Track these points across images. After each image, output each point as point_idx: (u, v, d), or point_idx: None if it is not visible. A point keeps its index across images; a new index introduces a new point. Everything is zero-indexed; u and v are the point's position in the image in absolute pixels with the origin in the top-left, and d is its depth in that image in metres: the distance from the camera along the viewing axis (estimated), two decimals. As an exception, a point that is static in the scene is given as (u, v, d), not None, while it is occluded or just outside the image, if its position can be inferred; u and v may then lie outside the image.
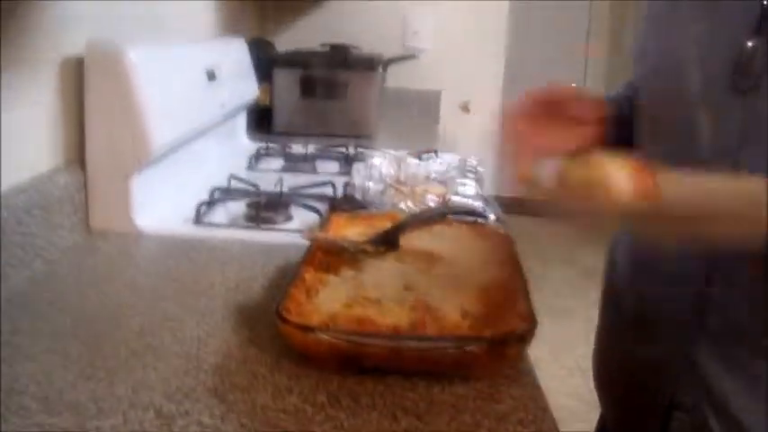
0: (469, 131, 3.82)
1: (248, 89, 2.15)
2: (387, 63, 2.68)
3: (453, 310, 0.91)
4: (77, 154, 1.36)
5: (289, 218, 1.48)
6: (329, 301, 0.92)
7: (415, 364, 0.84)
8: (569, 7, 6.58)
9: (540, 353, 0.88)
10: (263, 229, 1.42)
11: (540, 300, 0.96)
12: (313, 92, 2.44)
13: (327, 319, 0.86)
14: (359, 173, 1.58)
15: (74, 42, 1.32)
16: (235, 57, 2.06)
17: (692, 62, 0.94)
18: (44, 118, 1.27)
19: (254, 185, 1.65)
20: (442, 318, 0.88)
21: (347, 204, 1.49)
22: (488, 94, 4.30)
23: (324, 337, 0.82)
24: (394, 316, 0.88)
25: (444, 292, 0.96)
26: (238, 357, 0.89)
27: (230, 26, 2.48)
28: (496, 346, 0.83)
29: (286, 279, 0.99)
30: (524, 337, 0.85)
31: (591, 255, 5.33)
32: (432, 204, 1.44)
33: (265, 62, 2.40)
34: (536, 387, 0.86)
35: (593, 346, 1.33)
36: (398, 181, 1.54)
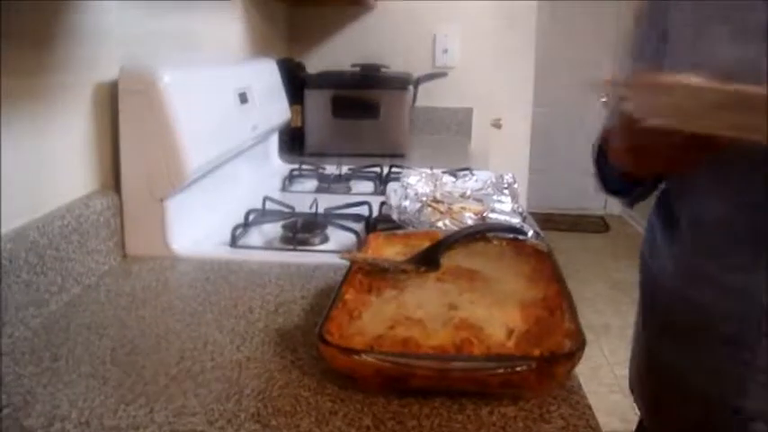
0: (502, 147, 3.82)
1: (280, 110, 2.15)
2: (417, 82, 2.67)
3: (498, 328, 0.89)
4: (112, 179, 1.35)
5: (325, 239, 1.47)
6: (372, 322, 0.91)
7: (462, 385, 0.83)
8: (598, 20, 6.57)
9: (578, 369, 0.86)
10: (299, 251, 1.41)
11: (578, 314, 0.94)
12: (345, 112, 2.44)
13: (371, 341, 0.84)
14: (394, 192, 1.56)
15: (107, 65, 1.33)
16: (266, 78, 2.06)
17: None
18: (79, 143, 1.27)
19: (289, 207, 1.64)
20: (487, 337, 0.86)
21: (384, 224, 1.48)
22: (519, 109, 4.30)
23: (368, 359, 0.81)
24: (439, 336, 0.86)
25: (488, 310, 0.94)
26: (281, 381, 0.88)
27: (261, 47, 2.49)
28: (545, 365, 0.81)
29: (326, 301, 0.97)
30: (573, 356, 0.82)
31: (621, 269, 5.31)
32: (469, 222, 1.42)
33: (296, 83, 2.40)
34: (586, 406, 0.84)
35: (631, 354, 1.32)
36: (435, 199, 1.52)
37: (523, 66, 4.29)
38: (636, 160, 0.94)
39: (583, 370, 0.86)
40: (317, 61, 3.03)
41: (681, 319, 1.11)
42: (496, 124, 3.66)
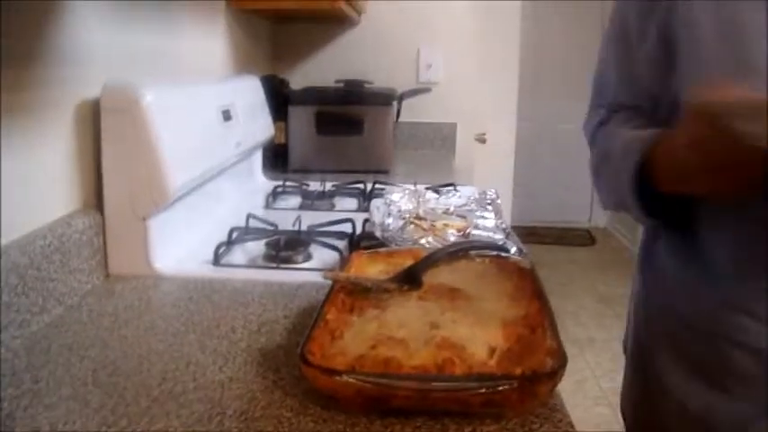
0: (486, 162, 3.83)
1: (263, 127, 2.15)
2: (401, 97, 2.68)
3: (480, 347, 0.89)
4: (95, 197, 1.35)
5: (308, 257, 1.47)
6: (354, 342, 0.91)
7: (444, 405, 0.83)
8: (582, 33, 6.60)
9: (563, 383, 0.86)
10: (283, 269, 1.41)
11: (561, 328, 0.94)
12: (328, 128, 2.44)
13: (353, 362, 0.84)
14: (378, 209, 1.56)
15: (90, 83, 1.33)
16: (249, 95, 2.06)
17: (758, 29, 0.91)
18: (61, 161, 1.26)
19: (273, 225, 1.64)
20: (469, 356, 0.86)
21: (367, 242, 1.48)
22: (503, 123, 4.31)
23: (350, 380, 0.81)
24: (420, 356, 0.86)
25: (470, 329, 0.94)
26: (263, 402, 0.88)
27: (244, 64, 2.49)
28: (527, 384, 0.81)
29: (309, 320, 0.97)
30: (555, 374, 0.83)
31: (606, 282, 5.33)
32: (453, 239, 1.42)
33: (280, 99, 2.41)
34: (568, 424, 0.84)
35: (624, 387, 1.32)
36: (418, 216, 1.52)
37: (507, 80, 4.31)
38: (715, 181, 0.88)
39: (568, 383, 0.87)
40: (301, 77, 3.03)
41: (690, 360, 1.11)
42: (480, 139, 3.67)
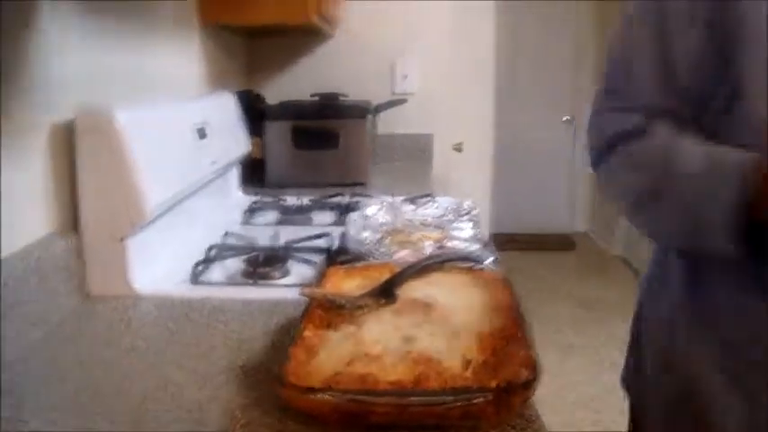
0: (464, 171, 3.84)
1: (239, 143, 2.15)
2: (377, 109, 2.69)
3: (455, 360, 0.90)
4: (71, 219, 1.35)
5: (286, 272, 1.47)
6: (330, 359, 0.91)
7: (421, 419, 0.84)
8: (557, 40, 6.66)
9: (543, 389, 0.87)
10: (261, 286, 1.41)
11: (541, 335, 0.95)
12: (305, 142, 2.45)
13: (329, 379, 0.85)
14: (354, 223, 1.57)
15: (61, 106, 1.33)
16: (224, 111, 2.07)
17: None
18: (36, 184, 1.27)
19: (250, 241, 1.65)
20: (444, 370, 0.87)
21: (344, 256, 1.49)
22: (480, 132, 4.32)
23: (327, 397, 0.82)
24: (397, 371, 0.87)
25: (446, 342, 0.95)
26: (242, 420, 0.88)
27: (219, 80, 2.49)
28: (502, 395, 0.83)
29: (287, 337, 0.98)
30: (530, 385, 0.84)
31: (586, 286, 5.36)
32: (429, 251, 1.43)
33: (256, 114, 2.41)
34: (544, 434, 0.86)
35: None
36: (395, 229, 1.54)
37: (483, 88, 4.32)
38: None
39: (549, 389, 0.88)
40: (277, 92, 3.04)
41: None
42: (458, 148, 3.69)
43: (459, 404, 0.81)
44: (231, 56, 2.81)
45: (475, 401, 0.81)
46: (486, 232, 1.66)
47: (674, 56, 1.06)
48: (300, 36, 3.09)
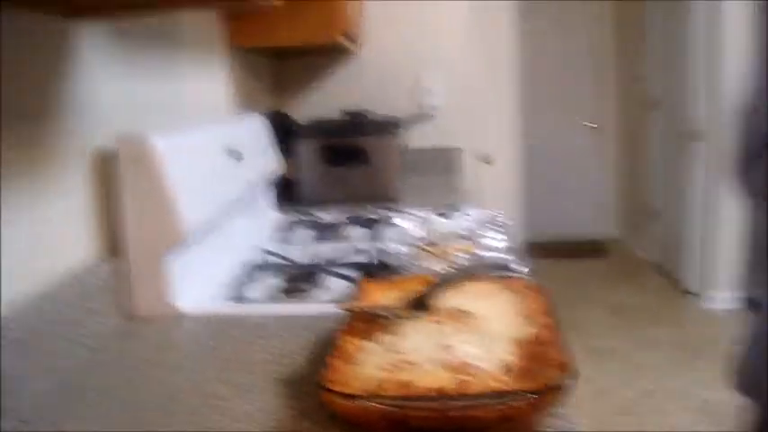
0: (494, 182, 3.87)
1: (272, 163, 2.19)
2: (405, 124, 2.72)
3: (493, 365, 0.93)
4: (114, 243, 1.40)
5: (324, 288, 1.51)
6: (371, 367, 0.94)
7: (461, 423, 0.86)
8: (582, 50, 6.66)
9: (583, 394, 0.89)
10: (299, 302, 1.45)
11: (576, 340, 0.97)
12: (336, 160, 2.48)
13: (372, 386, 0.88)
14: (389, 238, 1.60)
15: (99, 134, 1.38)
16: (255, 133, 2.11)
17: None
18: (78, 210, 1.31)
19: (288, 258, 1.68)
20: (484, 375, 0.90)
21: (380, 270, 1.52)
22: (507, 142, 4.35)
23: (371, 404, 0.84)
24: (437, 377, 0.90)
25: (483, 349, 0.98)
26: (290, 431, 0.91)
27: (248, 102, 2.54)
28: (540, 398, 0.85)
29: (327, 350, 1.01)
30: (566, 388, 0.86)
31: (620, 292, 5.35)
32: (462, 262, 1.46)
33: (286, 134, 2.45)
34: (581, 436, 0.88)
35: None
36: (428, 242, 1.57)
37: (508, 97, 4.35)
38: None
39: (587, 393, 0.89)
40: (304, 111, 3.08)
41: None
42: (486, 159, 3.71)
43: (499, 408, 0.84)
44: (259, 77, 2.85)
45: (515, 405, 0.83)
46: (517, 241, 1.68)
47: None
48: (326, 55, 3.14)
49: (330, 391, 0.87)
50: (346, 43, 2.62)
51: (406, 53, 3.17)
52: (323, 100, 3.16)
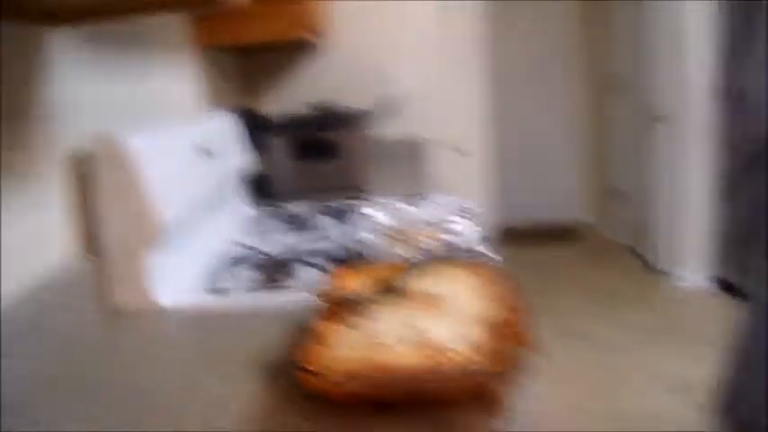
0: (463, 171, 3.91)
1: (243, 159, 2.23)
2: (373, 115, 2.76)
3: (462, 346, 0.97)
4: (92, 241, 1.44)
5: (297, 277, 1.55)
6: (346, 349, 0.99)
7: (436, 399, 0.91)
8: (551, 30, 6.69)
9: (557, 375, 0.94)
10: (274, 291, 1.49)
11: (552, 325, 1.02)
12: (306, 153, 2.52)
13: (347, 367, 0.93)
14: (358, 226, 1.65)
15: (72, 134, 1.43)
16: (226, 130, 2.14)
17: None
18: (57, 210, 1.36)
19: (262, 251, 1.73)
20: (453, 355, 0.95)
21: (350, 258, 1.56)
22: (477, 130, 4.39)
23: (345, 383, 0.90)
24: (409, 358, 0.95)
25: (452, 330, 1.03)
26: (270, 409, 0.96)
27: (217, 100, 2.58)
28: (507, 376, 0.90)
29: (303, 336, 1.05)
30: (533, 366, 0.92)
31: (593, 277, 5.41)
32: (430, 248, 1.51)
33: (256, 130, 2.49)
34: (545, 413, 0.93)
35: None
36: (396, 230, 1.61)
37: (477, 85, 4.38)
38: None
39: (561, 376, 0.93)
40: (275, 106, 3.11)
41: None
42: (456, 149, 3.75)
43: (469, 385, 0.89)
44: (227, 75, 2.89)
45: (484, 382, 0.89)
46: (487, 227, 1.73)
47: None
48: (294, 51, 3.17)
49: (307, 371, 0.92)
50: (311, 38, 2.66)
51: (373, 45, 3.21)
52: (292, 95, 3.19)
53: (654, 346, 4.07)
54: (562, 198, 7.07)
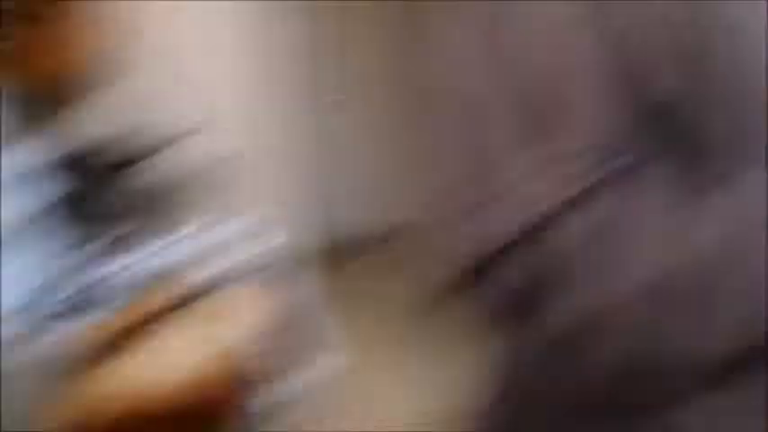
0: (274, 184, 3.87)
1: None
2: (151, 153, 2.68)
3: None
4: None
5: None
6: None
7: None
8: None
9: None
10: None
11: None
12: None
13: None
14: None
15: None
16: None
17: None
18: None
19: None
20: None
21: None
22: (284, 141, 4.31)
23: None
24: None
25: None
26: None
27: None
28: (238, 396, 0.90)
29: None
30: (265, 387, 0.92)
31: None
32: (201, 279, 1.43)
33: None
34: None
35: None
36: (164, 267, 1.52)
37: (282, 98, 4.33)
38: None
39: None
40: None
41: None
42: (231, 155, 3.68)
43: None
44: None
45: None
46: (293, 243, 1.59)
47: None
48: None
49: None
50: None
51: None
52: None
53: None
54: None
